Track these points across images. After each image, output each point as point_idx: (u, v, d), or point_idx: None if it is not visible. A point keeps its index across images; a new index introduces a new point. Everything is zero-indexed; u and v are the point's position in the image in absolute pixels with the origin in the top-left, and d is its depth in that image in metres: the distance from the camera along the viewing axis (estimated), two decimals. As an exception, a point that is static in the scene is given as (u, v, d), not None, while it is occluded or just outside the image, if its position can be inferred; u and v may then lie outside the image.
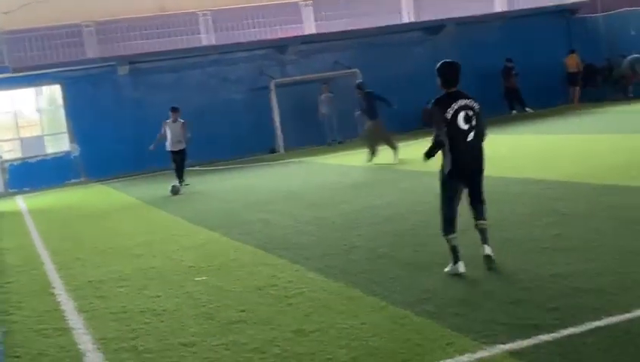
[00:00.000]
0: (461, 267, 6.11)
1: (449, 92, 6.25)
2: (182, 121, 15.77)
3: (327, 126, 22.65)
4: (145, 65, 22.04)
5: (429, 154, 6.34)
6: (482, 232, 6.29)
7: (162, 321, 5.88)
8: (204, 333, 5.43)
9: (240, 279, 6.97)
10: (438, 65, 6.23)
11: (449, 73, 6.32)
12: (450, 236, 6.23)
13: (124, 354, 5.18)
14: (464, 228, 7.86)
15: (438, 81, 6.31)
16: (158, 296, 6.68)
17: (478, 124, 6.19)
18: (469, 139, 6.13)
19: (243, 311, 5.88)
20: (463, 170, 6.21)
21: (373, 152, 16.00)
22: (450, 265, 6.18)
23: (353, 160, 17.42)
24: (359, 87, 17.03)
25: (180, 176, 15.68)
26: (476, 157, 6.26)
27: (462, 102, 6.18)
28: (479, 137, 6.24)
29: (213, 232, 9.76)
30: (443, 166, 6.24)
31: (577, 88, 24.67)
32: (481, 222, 6.31)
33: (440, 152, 6.25)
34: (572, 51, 24.69)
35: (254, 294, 6.35)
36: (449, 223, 6.27)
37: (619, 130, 15.64)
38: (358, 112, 17.10)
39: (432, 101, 6.26)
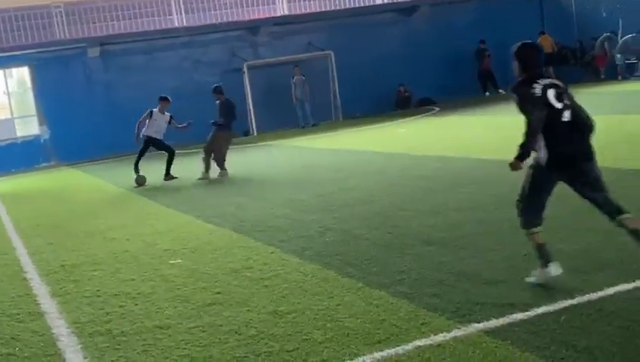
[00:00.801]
0: (554, 269, 4.97)
1: (531, 75, 5.00)
2: (169, 114, 14.49)
3: (300, 109, 22.57)
4: (116, 46, 21.77)
5: (525, 153, 4.96)
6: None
7: (137, 304, 5.84)
8: (179, 316, 5.40)
9: (215, 261, 6.95)
10: (516, 47, 5.08)
11: (531, 55, 5.12)
12: (536, 230, 5.06)
13: (99, 337, 5.14)
14: (436, 211, 7.91)
15: (517, 65, 5.08)
16: (133, 280, 6.64)
17: (572, 102, 4.98)
18: (564, 119, 4.89)
19: (218, 293, 5.86)
20: (564, 160, 4.95)
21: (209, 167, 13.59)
22: (538, 270, 5.05)
23: (327, 143, 17.42)
24: (219, 91, 14.17)
25: (168, 170, 14.11)
26: (577, 142, 4.97)
27: (547, 80, 4.97)
28: (577, 118, 4.97)
29: (187, 215, 9.71)
30: (537, 158, 5.00)
31: (551, 68, 24.93)
32: (624, 216, 4.91)
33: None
34: (542, 32, 24.91)
35: (229, 276, 6.33)
36: (534, 213, 5.10)
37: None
38: (212, 121, 13.95)
39: (513, 86, 5.11)
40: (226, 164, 13.64)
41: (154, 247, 7.94)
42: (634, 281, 4.79)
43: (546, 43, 24.84)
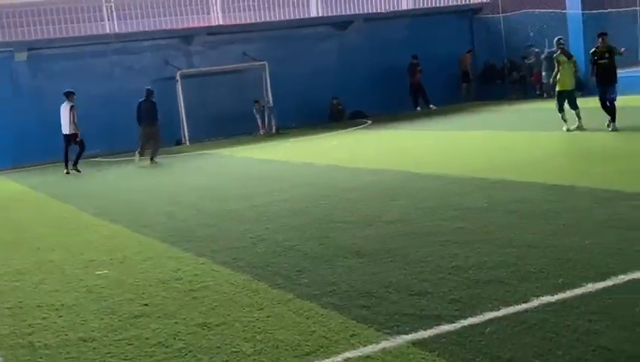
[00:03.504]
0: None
1: None
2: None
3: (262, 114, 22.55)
4: (45, 51, 21.20)
5: None
6: None
7: (60, 316, 5.68)
8: (104, 328, 5.28)
9: (143, 272, 6.82)
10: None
11: None
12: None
13: (20, 350, 4.97)
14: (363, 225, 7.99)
15: None
16: (57, 291, 6.45)
17: None
18: None
19: (146, 304, 5.75)
20: None
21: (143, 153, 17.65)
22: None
23: (260, 153, 17.38)
24: (151, 93, 17.76)
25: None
26: None
27: None
28: None
29: (116, 225, 9.51)
30: None
31: (466, 85, 25.79)
32: None
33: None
34: (469, 51, 25.74)
35: (158, 287, 6.23)
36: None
37: (514, 128, 16.30)
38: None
39: None
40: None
41: (80, 257, 7.74)
42: (556, 293, 4.93)
43: (466, 62, 25.73)
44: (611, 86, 13.75)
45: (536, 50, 23.70)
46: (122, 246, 8.16)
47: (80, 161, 17.00)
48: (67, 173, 16.66)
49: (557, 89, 14.72)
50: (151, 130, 17.54)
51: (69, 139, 16.67)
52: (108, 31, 22.25)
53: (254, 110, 22.54)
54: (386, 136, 18.64)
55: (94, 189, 13.86)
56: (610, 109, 13.68)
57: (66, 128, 16.66)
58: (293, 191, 10.89)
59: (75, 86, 18.51)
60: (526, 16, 24.77)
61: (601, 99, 13.84)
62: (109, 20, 22.41)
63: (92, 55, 21.77)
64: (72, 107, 16.53)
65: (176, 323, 5.22)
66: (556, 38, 15.75)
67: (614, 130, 13.37)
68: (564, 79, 14.56)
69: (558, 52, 14.97)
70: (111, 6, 22.36)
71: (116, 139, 20.76)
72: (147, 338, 4.96)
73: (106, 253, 7.81)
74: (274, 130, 22.17)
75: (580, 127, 14.19)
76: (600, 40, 14.09)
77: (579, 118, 14.33)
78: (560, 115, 14.47)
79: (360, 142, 17.79)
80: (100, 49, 21.85)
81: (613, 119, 13.56)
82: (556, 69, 14.74)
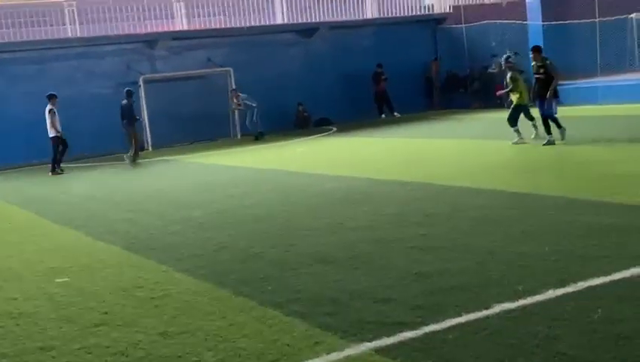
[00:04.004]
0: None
1: None
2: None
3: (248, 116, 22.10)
4: (5, 55, 20.83)
5: None
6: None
7: (18, 324, 5.57)
8: (64, 337, 5.19)
9: (104, 280, 6.72)
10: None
11: None
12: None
13: (-25, 361, 4.86)
14: (334, 230, 8.00)
15: None
16: (15, 299, 6.32)
17: None
18: None
19: (106, 313, 5.67)
20: None
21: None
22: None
23: (225, 159, 17.30)
24: (130, 94, 18.52)
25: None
26: None
27: None
28: None
29: (77, 232, 9.37)
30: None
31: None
32: None
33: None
34: (436, 59, 26.04)
35: (119, 296, 6.14)
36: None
37: (476, 136, 16.48)
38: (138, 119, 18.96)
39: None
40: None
41: (39, 265, 7.61)
42: (517, 300, 4.98)
43: (435, 68, 26.10)
44: (544, 101, 13.50)
45: (500, 60, 23.98)
46: (83, 253, 8.03)
47: (44, 165, 17.40)
48: (55, 174, 17.16)
49: (515, 103, 14.44)
50: (127, 130, 18.29)
51: (56, 141, 17.21)
52: (70, 35, 21.95)
53: (232, 105, 22.17)
54: (352, 143, 18.70)
55: (54, 195, 13.63)
56: (545, 123, 13.44)
57: (49, 131, 17.13)
58: (257, 197, 10.85)
59: (37, 90, 18.28)
60: (488, 26, 25.09)
61: (541, 114, 13.74)
62: (71, 24, 22.11)
63: (54, 59, 21.46)
64: (50, 110, 16.99)
65: (136, 331, 5.15)
66: (504, 57, 15.51)
67: (549, 143, 13.25)
68: (523, 94, 14.37)
69: (510, 72, 14.53)
70: (73, 10, 22.07)
71: (77, 144, 20.45)
72: (107, 347, 4.88)
73: (66, 261, 7.68)
74: (258, 130, 21.61)
75: (537, 136, 14.15)
76: (531, 55, 13.99)
77: (535, 128, 14.28)
78: (513, 128, 14.19)
79: (325, 149, 17.82)
80: (61, 53, 21.54)
81: (547, 132, 13.42)
82: (512, 86, 14.40)
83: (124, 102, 18.37)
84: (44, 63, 21.32)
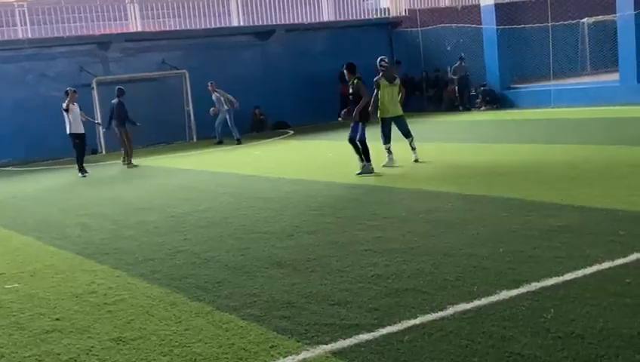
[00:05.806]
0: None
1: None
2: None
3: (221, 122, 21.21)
4: (-48, 56, 20.35)
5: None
6: None
7: (-34, 333, 5.41)
8: (13, 344, 5.06)
9: (55, 286, 6.58)
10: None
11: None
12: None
13: None
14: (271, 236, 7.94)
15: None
16: (-38, 306, 6.15)
17: None
18: None
19: (58, 319, 5.55)
20: None
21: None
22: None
23: (180, 163, 17.13)
24: (121, 93, 17.46)
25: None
26: None
27: None
28: None
29: (26, 237, 9.17)
30: None
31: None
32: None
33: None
34: (397, 62, 26.13)
35: (71, 302, 6.02)
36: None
37: (431, 139, 16.63)
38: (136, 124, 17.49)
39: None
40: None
41: (-12, 271, 7.41)
42: (472, 301, 5.03)
43: (396, 72, 26.13)
44: (356, 124, 11.88)
45: (456, 64, 24.27)
46: (33, 259, 7.86)
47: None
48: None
49: (378, 116, 12.74)
50: (119, 131, 17.41)
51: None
52: (20, 36, 21.52)
53: (211, 110, 20.98)
54: (308, 146, 18.69)
55: (3, 199, 13.32)
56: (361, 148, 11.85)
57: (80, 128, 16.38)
58: (212, 201, 10.76)
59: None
60: (444, 30, 25.38)
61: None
62: (21, 25, 21.67)
63: (3, 60, 21.00)
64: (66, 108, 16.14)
65: (89, 337, 5.06)
66: (379, 59, 13.18)
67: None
68: (383, 105, 12.63)
69: (380, 75, 12.80)
70: (24, 11, 21.64)
71: (29, 148, 20.09)
72: (59, 354, 4.78)
73: (15, 266, 7.51)
74: (236, 137, 20.58)
75: (416, 160, 12.70)
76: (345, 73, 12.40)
77: (413, 148, 12.88)
78: (384, 146, 12.68)
79: (282, 153, 17.78)
80: (11, 54, 21.09)
81: (365, 158, 11.88)
82: (374, 94, 12.60)
83: (115, 101, 17.39)
84: (-6, 65, 20.87)
